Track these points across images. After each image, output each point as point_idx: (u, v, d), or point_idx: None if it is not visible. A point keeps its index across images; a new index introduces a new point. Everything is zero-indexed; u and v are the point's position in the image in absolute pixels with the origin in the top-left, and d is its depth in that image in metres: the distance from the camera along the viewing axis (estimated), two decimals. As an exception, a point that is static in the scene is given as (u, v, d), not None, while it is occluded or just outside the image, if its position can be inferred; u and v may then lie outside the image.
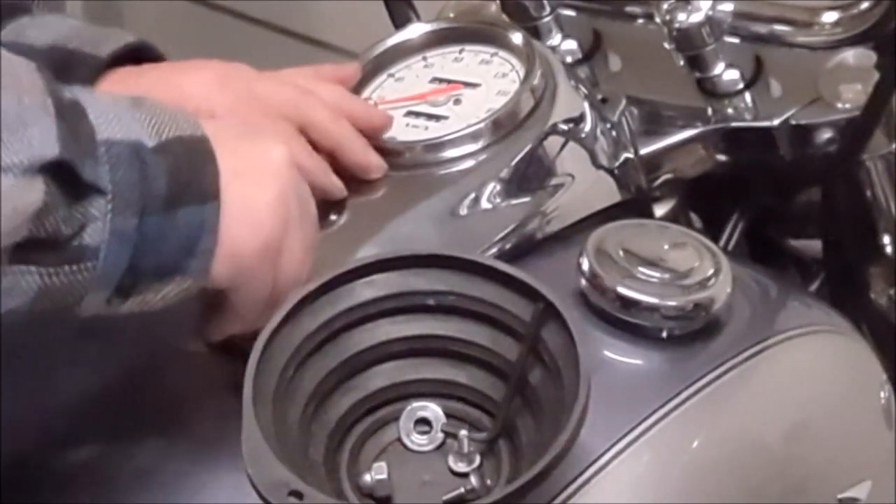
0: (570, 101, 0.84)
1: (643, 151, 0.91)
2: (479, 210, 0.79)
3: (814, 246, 1.01)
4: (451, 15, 1.04)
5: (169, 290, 0.64)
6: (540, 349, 0.65)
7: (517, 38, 0.86)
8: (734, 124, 0.93)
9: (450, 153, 0.80)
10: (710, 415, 0.74)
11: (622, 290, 0.74)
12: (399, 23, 0.98)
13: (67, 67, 0.73)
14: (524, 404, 0.66)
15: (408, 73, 0.87)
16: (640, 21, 0.97)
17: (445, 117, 0.83)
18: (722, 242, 1.00)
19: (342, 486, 0.64)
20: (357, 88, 0.86)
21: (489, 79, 0.85)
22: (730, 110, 0.93)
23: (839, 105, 0.91)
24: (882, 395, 0.85)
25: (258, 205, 0.66)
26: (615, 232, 0.78)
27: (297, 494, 0.58)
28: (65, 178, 0.58)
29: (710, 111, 0.94)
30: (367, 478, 0.64)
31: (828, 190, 0.95)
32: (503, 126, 0.81)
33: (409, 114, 0.84)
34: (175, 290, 0.64)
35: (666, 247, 0.77)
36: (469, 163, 0.80)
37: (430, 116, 0.84)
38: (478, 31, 0.88)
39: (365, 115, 0.81)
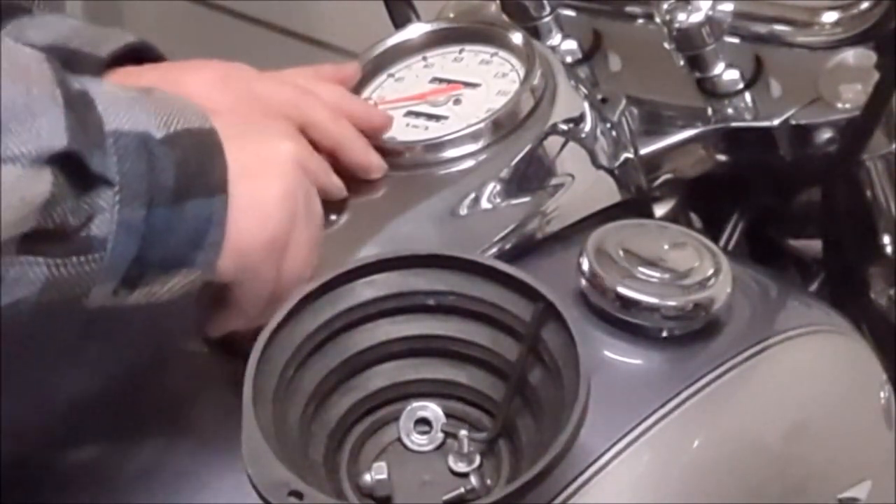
0: (570, 101, 0.84)
1: (643, 151, 0.91)
2: (479, 210, 0.79)
3: (814, 246, 1.01)
4: (451, 15, 1.04)
5: (175, 282, 0.64)
6: (540, 349, 0.65)
7: (517, 38, 0.86)
8: (734, 124, 0.93)
9: (450, 153, 0.80)
10: (710, 415, 0.74)
11: (622, 290, 0.74)
12: (399, 23, 0.98)
13: (67, 67, 0.73)
14: (524, 404, 0.66)
15: (408, 73, 0.87)
16: (640, 21, 0.97)
17: (445, 117, 0.83)
18: (722, 242, 1.00)
19: (342, 486, 0.64)
20: (357, 88, 0.86)
21: (489, 79, 0.85)
22: (730, 110, 0.93)
23: (839, 105, 0.91)
24: (882, 395, 0.85)
25: (266, 200, 0.66)
26: (615, 232, 0.78)
27: (297, 494, 0.58)
28: (72, 169, 0.58)
29: (710, 111, 0.94)
30: (367, 478, 0.64)
31: (828, 190, 0.95)
32: (503, 126, 0.81)
33: (409, 114, 0.84)
34: (181, 282, 0.64)
35: (666, 247, 0.77)
36: (469, 163, 0.80)
37: (430, 116, 0.84)
38: (478, 31, 0.88)
39: (365, 115, 0.81)
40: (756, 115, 0.93)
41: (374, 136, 0.81)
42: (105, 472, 0.72)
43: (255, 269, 0.66)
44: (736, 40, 0.94)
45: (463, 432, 0.65)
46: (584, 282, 0.76)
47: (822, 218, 0.98)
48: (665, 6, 0.92)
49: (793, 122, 0.92)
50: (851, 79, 0.91)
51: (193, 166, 0.63)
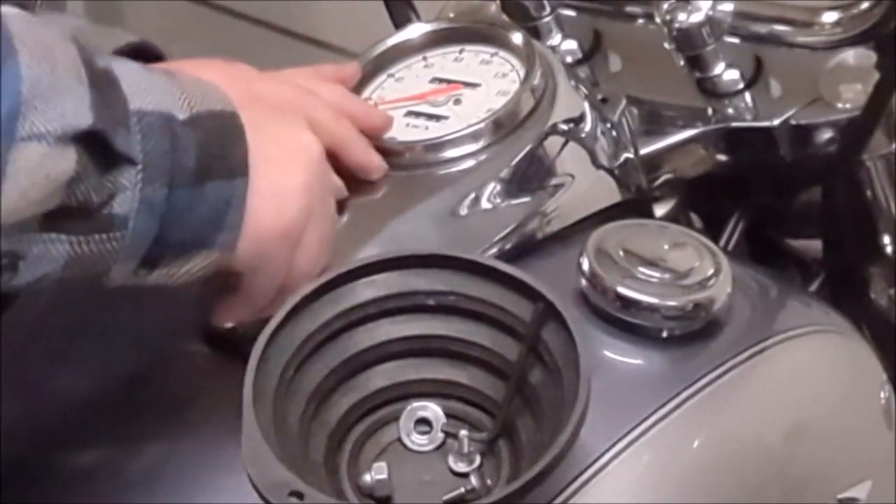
0: (570, 101, 0.84)
1: (643, 151, 0.91)
2: (479, 210, 0.79)
3: (814, 246, 1.01)
4: (451, 15, 1.04)
5: (194, 263, 0.64)
6: (540, 349, 0.65)
7: (517, 38, 0.86)
8: (734, 124, 0.93)
9: (450, 153, 0.80)
10: (710, 415, 0.74)
11: (622, 290, 0.74)
12: (399, 23, 0.98)
13: None
14: (524, 404, 0.66)
15: (408, 73, 0.87)
16: (640, 21, 0.97)
17: (445, 117, 0.83)
18: (722, 242, 1.00)
19: (342, 486, 0.64)
20: (357, 88, 0.86)
21: (489, 79, 0.85)
22: (730, 110, 0.93)
23: (839, 105, 0.91)
24: (882, 395, 0.85)
25: (286, 189, 0.66)
26: (615, 232, 0.78)
27: (298, 494, 0.58)
28: (96, 147, 0.59)
29: (710, 111, 0.94)
30: (367, 478, 0.64)
31: (828, 190, 0.95)
32: (503, 126, 0.81)
33: (409, 114, 0.84)
34: (200, 263, 0.64)
35: (666, 247, 0.77)
36: (469, 163, 0.80)
37: (430, 116, 0.84)
38: (478, 31, 0.88)
39: (365, 115, 0.81)
40: (756, 115, 0.93)
41: (374, 136, 0.81)
42: (105, 473, 0.72)
43: (270, 257, 0.67)
44: (736, 40, 0.94)
45: (463, 432, 0.65)
46: (584, 282, 0.76)
47: (822, 218, 0.98)
48: (665, 6, 0.92)
49: (793, 122, 0.92)
50: (851, 79, 0.91)
51: (215, 148, 0.63)
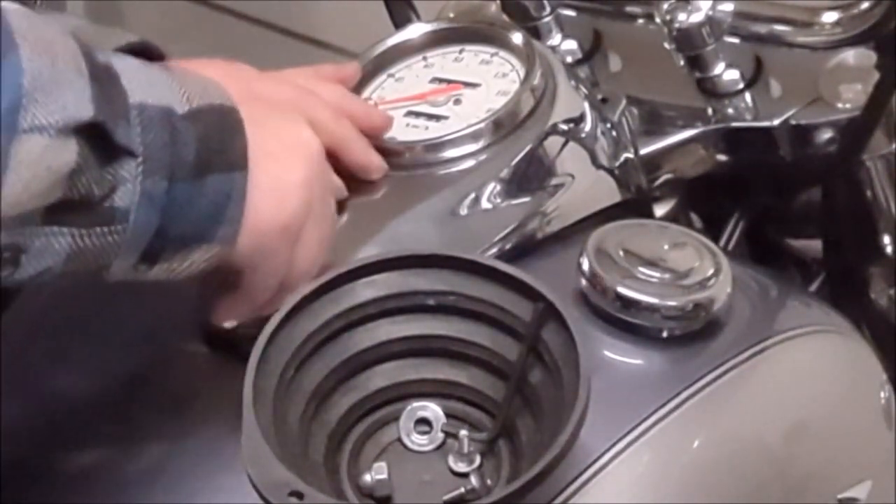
0: (570, 101, 0.84)
1: (643, 151, 0.91)
2: (479, 210, 0.79)
3: (814, 246, 1.01)
4: (451, 15, 1.04)
5: (195, 258, 0.64)
6: (540, 349, 0.65)
7: (517, 38, 0.86)
8: (734, 124, 0.93)
9: (450, 153, 0.80)
10: (710, 415, 0.74)
11: (622, 290, 0.74)
12: (399, 23, 0.98)
13: None
14: (524, 404, 0.66)
15: (408, 73, 0.87)
16: (640, 21, 0.97)
17: (445, 117, 0.83)
18: (722, 242, 1.00)
19: (342, 486, 0.64)
20: (357, 88, 0.86)
21: (489, 79, 0.85)
22: (730, 110, 0.93)
23: (839, 105, 0.91)
24: (882, 395, 0.85)
25: (285, 184, 0.67)
26: (615, 232, 0.78)
27: (298, 494, 0.58)
28: (97, 139, 0.59)
29: (710, 111, 0.94)
30: (368, 478, 0.64)
31: (828, 190, 0.95)
32: (503, 126, 0.81)
33: (409, 114, 0.84)
34: (201, 257, 0.65)
35: (666, 247, 0.77)
36: (469, 163, 0.80)
37: (430, 116, 0.84)
38: (478, 31, 0.88)
39: (365, 115, 0.81)
40: (756, 115, 0.93)
41: (374, 136, 0.81)
42: (105, 473, 0.72)
43: (270, 252, 0.67)
44: (736, 40, 0.94)
45: (463, 432, 0.65)
46: (584, 282, 0.76)
47: (822, 218, 0.98)
48: (665, 6, 0.92)
49: (793, 122, 0.92)
50: (851, 79, 0.91)
51: (215, 142, 0.63)
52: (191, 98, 0.63)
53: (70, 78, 0.58)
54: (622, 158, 0.87)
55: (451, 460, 0.65)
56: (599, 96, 0.88)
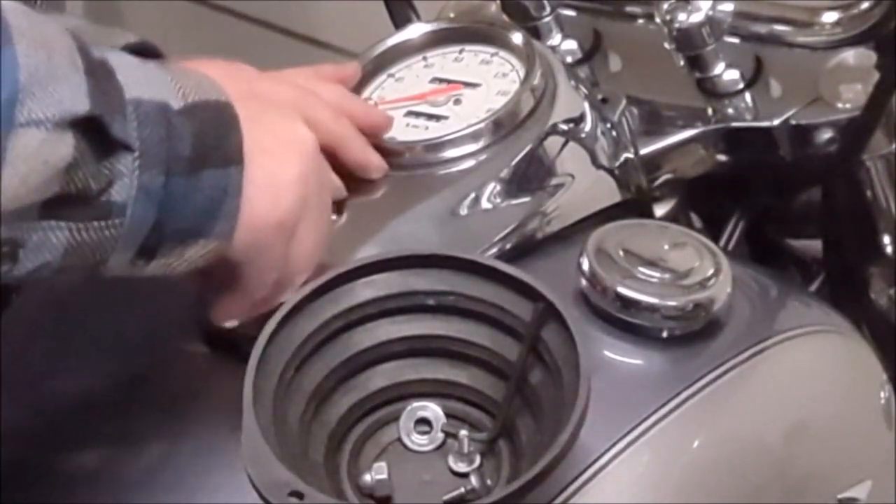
0: (570, 101, 0.84)
1: (643, 151, 0.91)
2: (479, 210, 0.79)
3: (814, 246, 1.01)
4: (451, 15, 1.04)
5: (192, 252, 0.64)
6: (540, 349, 0.65)
7: (517, 38, 0.86)
8: (734, 124, 0.93)
9: (450, 153, 0.80)
10: (710, 415, 0.74)
11: (622, 290, 0.74)
12: (399, 23, 0.98)
13: None
14: (524, 404, 0.66)
15: (408, 73, 0.87)
16: (640, 21, 0.97)
17: (445, 117, 0.83)
18: (722, 242, 1.00)
19: (342, 486, 0.64)
20: (357, 88, 0.86)
21: (489, 79, 0.85)
22: (730, 110, 0.93)
23: (839, 105, 0.91)
24: (882, 395, 0.85)
25: (281, 180, 0.66)
26: (615, 232, 0.78)
27: (298, 494, 0.58)
28: (93, 133, 0.59)
29: (710, 111, 0.94)
30: (368, 478, 0.64)
31: (828, 190, 0.95)
32: (503, 126, 0.81)
33: (409, 114, 0.84)
34: (198, 253, 0.64)
35: (666, 247, 0.77)
36: (469, 163, 0.80)
37: (430, 116, 0.84)
38: (478, 31, 0.88)
39: (365, 114, 0.81)
40: (756, 115, 0.93)
41: (374, 135, 0.81)
42: (105, 473, 0.72)
43: (265, 248, 0.67)
44: (736, 40, 0.94)
45: (463, 432, 0.65)
46: (584, 282, 0.76)
47: (822, 218, 0.98)
48: (665, 6, 0.92)
49: (793, 122, 0.92)
50: (851, 79, 0.91)
51: (210, 137, 0.63)
52: (186, 94, 0.64)
53: (66, 72, 0.58)
54: (622, 158, 0.87)
55: (451, 460, 0.65)
56: (599, 96, 0.88)
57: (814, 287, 1.02)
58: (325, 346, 0.67)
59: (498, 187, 0.80)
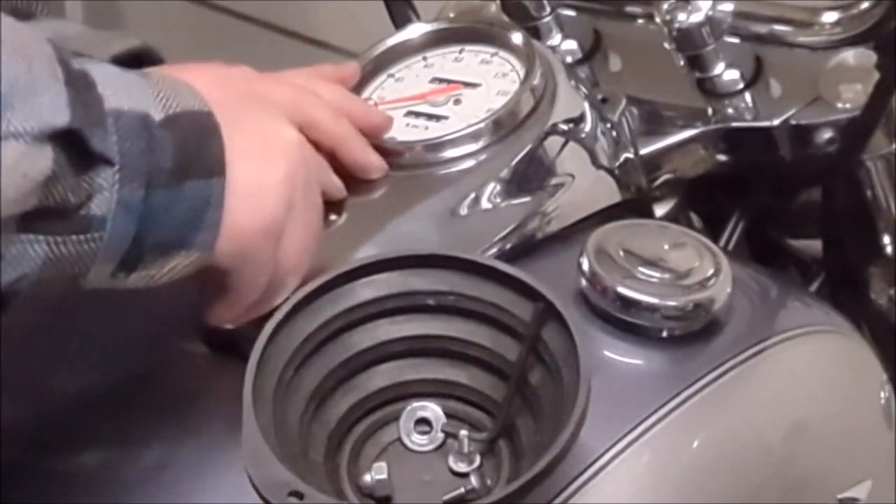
0: (570, 101, 0.84)
1: (643, 151, 0.91)
2: (479, 210, 0.79)
3: (814, 246, 1.01)
4: (451, 15, 1.04)
5: (174, 264, 0.64)
6: (540, 349, 0.65)
7: (517, 38, 0.86)
8: (734, 124, 0.93)
9: (450, 153, 0.80)
10: (710, 415, 0.74)
11: (622, 290, 0.74)
12: (399, 23, 0.98)
13: None
14: (524, 404, 0.66)
15: (408, 73, 0.87)
16: (640, 21, 0.97)
17: (445, 117, 0.83)
18: (722, 242, 1.00)
19: (342, 486, 0.64)
20: (357, 88, 0.86)
21: (489, 79, 0.85)
22: (730, 110, 0.93)
23: (839, 105, 0.91)
24: (882, 395, 0.85)
25: (264, 184, 0.66)
26: (615, 232, 0.78)
27: (298, 494, 0.58)
28: (73, 147, 0.58)
29: (710, 111, 0.94)
30: (368, 478, 0.64)
31: (828, 190, 0.95)
32: (503, 126, 0.81)
33: (409, 114, 0.84)
34: (181, 263, 0.64)
35: (666, 247, 0.77)
36: (469, 163, 0.80)
37: (430, 116, 0.84)
38: (478, 31, 0.88)
39: (365, 114, 0.81)
40: (756, 115, 0.93)
41: (374, 135, 0.81)
42: (105, 473, 0.72)
43: (252, 253, 0.66)
44: (736, 40, 0.94)
45: (463, 432, 0.65)
46: (584, 282, 0.76)
47: (822, 218, 0.98)
48: (665, 6, 0.92)
49: (793, 122, 0.92)
50: (851, 79, 0.91)
51: (192, 148, 0.63)
52: (167, 104, 0.63)
53: (46, 82, 0.58)
54: (622, 158, 0.87)
55: (451, 460, 0.65)
56: (599, 96, 0.88)
57: (814, 287, 1.02)
58: (325, 346, 0.67)
59: (498, 187, 0.80)
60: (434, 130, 0.82)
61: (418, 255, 0.68)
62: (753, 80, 0.93)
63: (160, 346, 0.78)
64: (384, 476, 0.64)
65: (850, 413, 0.83)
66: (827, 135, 0.92)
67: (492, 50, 0.87)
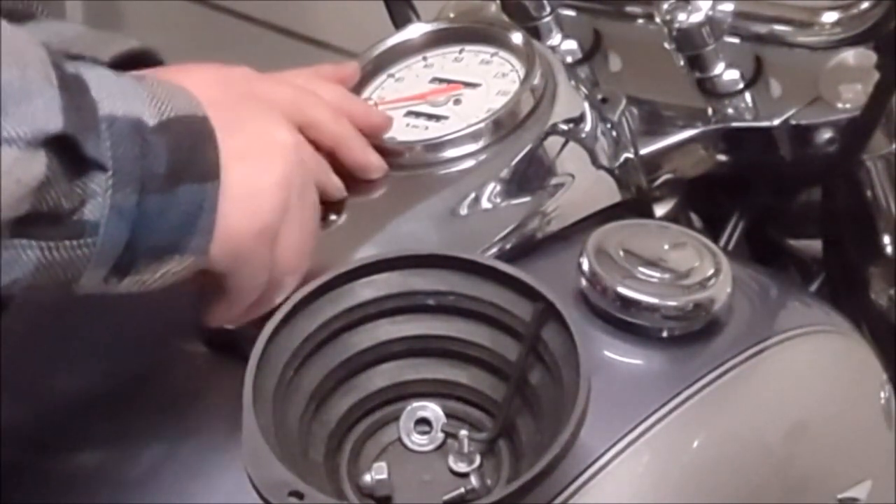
0: (570, 101, 0.84)
1: (643, 151, 0.91)
2: (479, 210, 0.79)
3: (814, 246, 1.01)
4: (451, 15, 1.04)
5: (167, 269, 0.64)
6: (540, 349, 0.65)
7: (517, 38, 0.86)
8: (734, 124, 0.93)
9: (450, 153, 0.80)
10: (710, 415, 0.74)
11: (622, 290, 0.74)
12: (399, 23, 0.98)
13: None
14: (524, 404, 0.66)
15: (408, 73, 0.87)
16: (640, 21, 0.97)
17: (445, 117, 0.83)
18: (722, 242, 1.00)
19: (342, 486, 0.65)
20: (357, 88, 0.86)
21: (489, 79, 0.85)
22: (730, 110, 0.93)
23: (839, 105, 0.91)
24: (882, 395, 0.85)
25: (258, 188, 0.66)
26: (615, 232, 0.78)
27: (298, 494, 0.58)
28: (66, 152, 0.58)
29: (710, 111, 0.94)
30: (368, 478, 0.64)
31: (828, 190, 0.95)
32: (503, 126, 0.81)
33: (409, 114, 0.84)
34: (174, 268, 0.64)
35: (666, 247, 0.77)
36: (469, 163, 0.80)
37: (430, 116, 0.84)
38: (478, 31, 0.88)
39: (365, 114, 0.81)
40: (756, 115, 0.93)
41: (373, 135, 0.80)
42: (105, 473, 0.72)
43: (247, 257, 0.66)
44: (736, 40, 0.94)
45: (463, 432, 0.65)
46: (584, 282, 0.76)
47: (822, 218, 0.98)
48: (665, 6, 0.92)
49: (793, 122, 0.92)
50: (851, 79, 0.91)
51: (185, 153, 0.63)
52: (161, 109, 0.63)
53: (40, 87, 0.58)
54: (622, 158, 0.87)
55: (451, 460, 0.65)
56: (599, 96, 0.88)
57: (814, 287, 1.02)
58: (325, 346, 0.67)
59: (498, 187, 0.80)
60: (434, 130, 0.82)
61: (418, 255, 0.68)
62: (753, 80, 0.93)
63: (160, 346, 0.78)
64: (384, 476, 0.64)
65: (850, 413, 0.83)
66: (827, 135, 0.92)
67: (492, 50, 0.87)
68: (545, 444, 0.61)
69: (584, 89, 0.87)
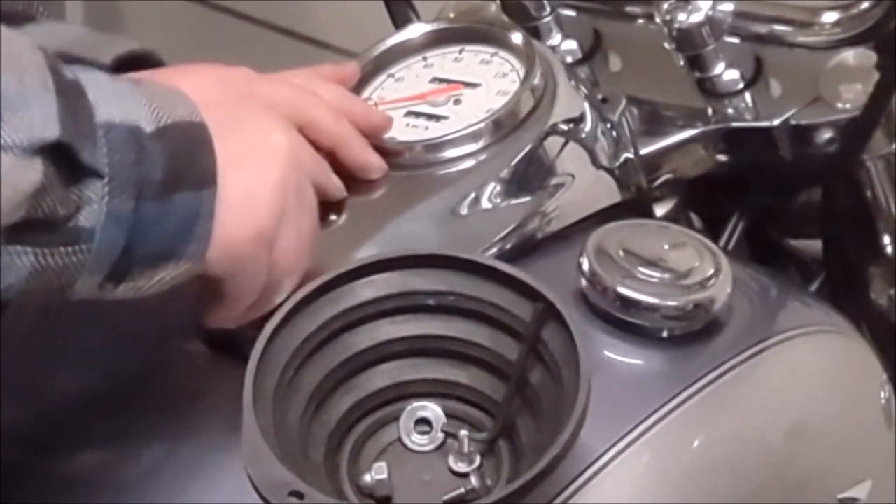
0: (570, 101, 0.84)
1: (643, 151, 0.91)
2: (479, 210, 0.79)
3: (814, 246, 1.01)
4: (451, 15, 1.04)
5: (163, 275, 0.64)
6: (540, 349, 0.65)
7: (517, 38, 0.86)
8: (734, 124, 0.93)
9: (450, 153, 0.80)
10: (710, 415, 0.74)
11: (622, 290, 0.74)
12: (399, 23, 0.98)
13: None
14: (524, 404, 0.66)
15: (408, 73, 0.87)
16: (640, 21, 0.97)
17: (445, 117, 0.83)
18: (722, 242, 1.00)
19: (342, 486, 0.65)
20: (357, 88, 0.86)
21: (489, 79, 0.85)
22: (730, 110, 0.93)
23: (839, 105, 0.91)
24: (882, 395, 0.85)
25: (255, 193, 0.66)
26: (615, 232, 0.78)
27: (298, 494, 0.58)
28: (63, 159, 0.58)
29: (710, 111, 0.94)
30: (368, 478, 0.64)
31: (828, 190, 0.95)
32: (503, 126, 0.81)
33: (409, 114, 0.84)
34: (170, 274, 0.64)
35: (666, 247, 0.77)
36: (469, 163, 0.80)
37: (430, 116, 0.84)
38: (478, 31, 0.88)
39: (365, 115, 0.81)
40: (756, 115, 0.93)
41: (373, 135, 0.80)
42: (105, 473, 0.72)
43: (245, 262, 0.66)
44: (736, 40, 0.94)
45: (463, 432, 0.65)
46: (584, 282, 0.76)
47: (822, 218, 0.98)
48: (665, 6, 0.92)
49: (793, 122, 0.92)
50: (851, 79, 0.91)
51: (182, 160, 0.63)
52: (159, 115, 0.63)
53: (37, 93, 0.57)
54: (622, 158, 0.87)
55: (451, 460, 0.65)
56: (599, 96, 0.88)
57: (814, 287, 1.02)
58: (325, 346, 0.67)
59: (498, 187, 0.80)
60: (434, 130, 0.82)
61: (418, 255, 0.68)
62: (753, 80, 0.93)
63: (160, 346, 0.78)
64: (384, 476, 0.64)
65: (850, 413, 0.83)
66: (827, 135, 0.92)
67: (492, 50, 0.87)
68: (545, 444, 0.61)
69: (584, 89, 0.87)
